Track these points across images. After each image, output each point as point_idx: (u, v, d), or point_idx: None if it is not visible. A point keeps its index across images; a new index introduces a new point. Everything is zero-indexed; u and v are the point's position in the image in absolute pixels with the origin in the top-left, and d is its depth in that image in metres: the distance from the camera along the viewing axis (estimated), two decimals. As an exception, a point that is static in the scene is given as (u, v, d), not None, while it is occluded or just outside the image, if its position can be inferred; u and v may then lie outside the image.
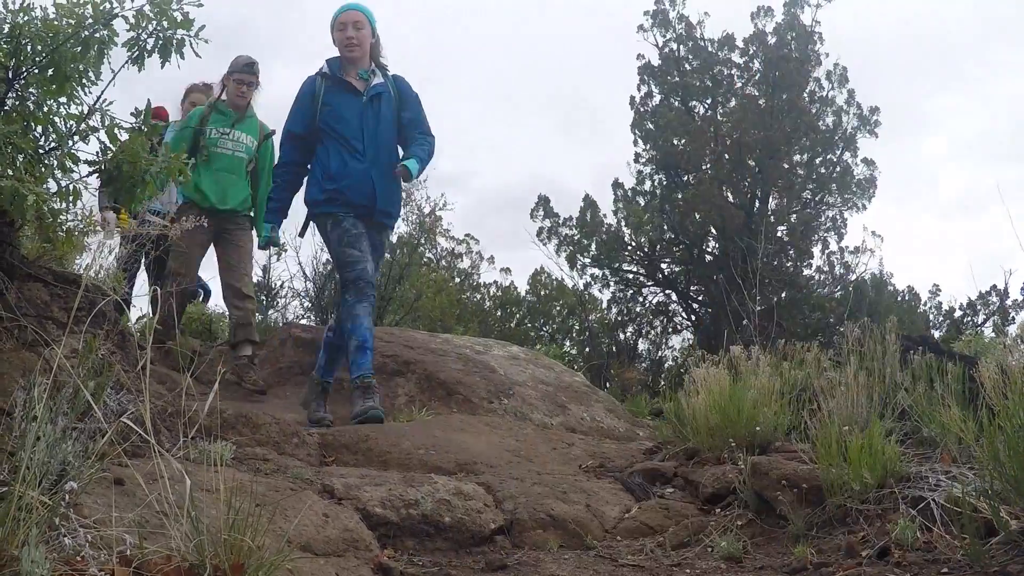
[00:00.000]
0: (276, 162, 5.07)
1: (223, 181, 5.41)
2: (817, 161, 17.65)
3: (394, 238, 12.59)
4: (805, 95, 17.38)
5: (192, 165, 5.24)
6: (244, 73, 5.45)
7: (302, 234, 5.02)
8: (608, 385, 12.36)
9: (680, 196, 17.31)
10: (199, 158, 5.30)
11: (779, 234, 16.96)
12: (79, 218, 2.95)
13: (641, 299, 18.70)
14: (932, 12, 33.40)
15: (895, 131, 30.11)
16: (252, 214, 5.60)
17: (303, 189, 4.88)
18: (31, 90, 2.63)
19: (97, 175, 2.72)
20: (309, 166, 4.87)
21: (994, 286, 17.75)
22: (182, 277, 5.23)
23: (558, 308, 18.93)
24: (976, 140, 32.03)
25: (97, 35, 2.62)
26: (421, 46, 38.95)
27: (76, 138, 2.68)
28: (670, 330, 18.73)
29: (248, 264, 5.65)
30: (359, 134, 4.72)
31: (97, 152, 2.69)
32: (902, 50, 31.14)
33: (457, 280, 16.49)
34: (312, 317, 11.41)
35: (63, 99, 2.66)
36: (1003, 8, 30.75)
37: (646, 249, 18.16)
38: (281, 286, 11.96)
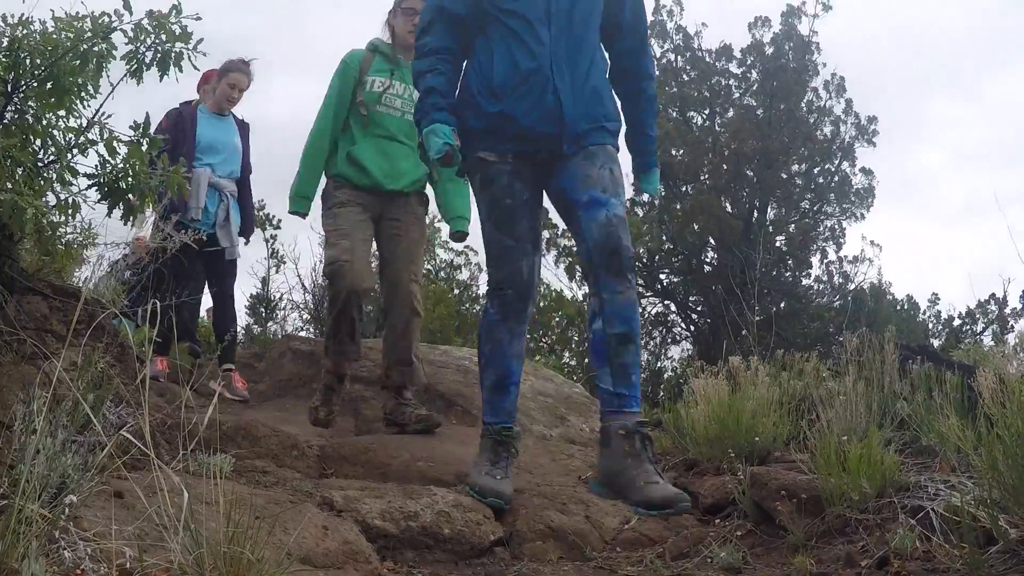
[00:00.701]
0: (422, 49, 3.24)
1: (390, 151, 4.07)
2: (815, 171, 17.71)
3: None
4: (803, 105, 17.46)
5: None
6: None
7: (460, 174, 3.33)
8: (607, 396, 12.32)
9: (678, 207, 17.37)
10: (355, 121, 4.08)
11: (777, 244, 17.02)
12: (78, 231, 2.97)
13: (640, 309, 18.73)
14: (930, 20, 33.55)
15: (893, 140, 30.22)
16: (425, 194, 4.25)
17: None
18: (30, 103, 2.64)
19: (96, 188, 2.73)
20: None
21: (993, 295, 17.77)
22: (347, 288, 3.97)
23: (557, 319, 18.94)
24: (975, 148, 32.13)
25: (96, 48, 2.63)
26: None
27: (75, 151, 2.69)
28: (669, 341, 18.74)
29: (419, 262, 4.25)
30: (544, 16, 3.12)
31: (96, 165, 2.70)
32: (900, 59, 31.27)
33: (456, 291, 16.47)
34: (311, 329, 11.38)
35: (62, 112, 2.67)
36: (1002, 16, 30.90)
37: (644, 260, 18.18)
38: (280, 298, 11.90)
